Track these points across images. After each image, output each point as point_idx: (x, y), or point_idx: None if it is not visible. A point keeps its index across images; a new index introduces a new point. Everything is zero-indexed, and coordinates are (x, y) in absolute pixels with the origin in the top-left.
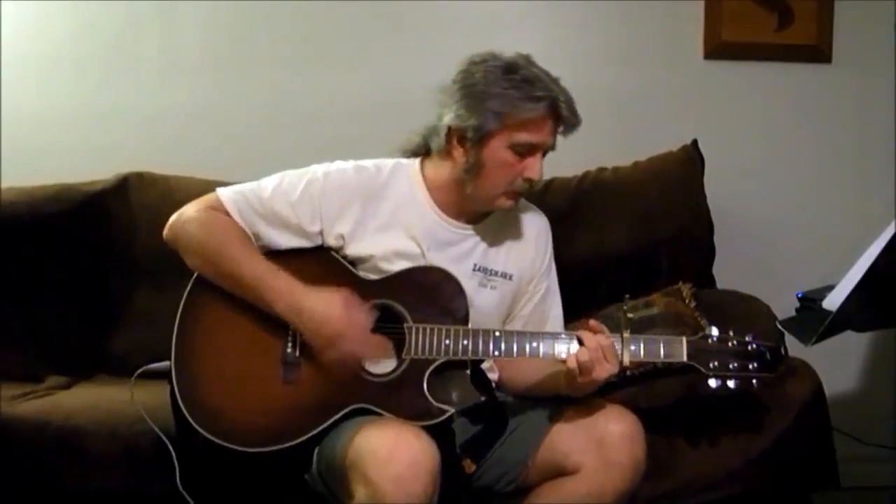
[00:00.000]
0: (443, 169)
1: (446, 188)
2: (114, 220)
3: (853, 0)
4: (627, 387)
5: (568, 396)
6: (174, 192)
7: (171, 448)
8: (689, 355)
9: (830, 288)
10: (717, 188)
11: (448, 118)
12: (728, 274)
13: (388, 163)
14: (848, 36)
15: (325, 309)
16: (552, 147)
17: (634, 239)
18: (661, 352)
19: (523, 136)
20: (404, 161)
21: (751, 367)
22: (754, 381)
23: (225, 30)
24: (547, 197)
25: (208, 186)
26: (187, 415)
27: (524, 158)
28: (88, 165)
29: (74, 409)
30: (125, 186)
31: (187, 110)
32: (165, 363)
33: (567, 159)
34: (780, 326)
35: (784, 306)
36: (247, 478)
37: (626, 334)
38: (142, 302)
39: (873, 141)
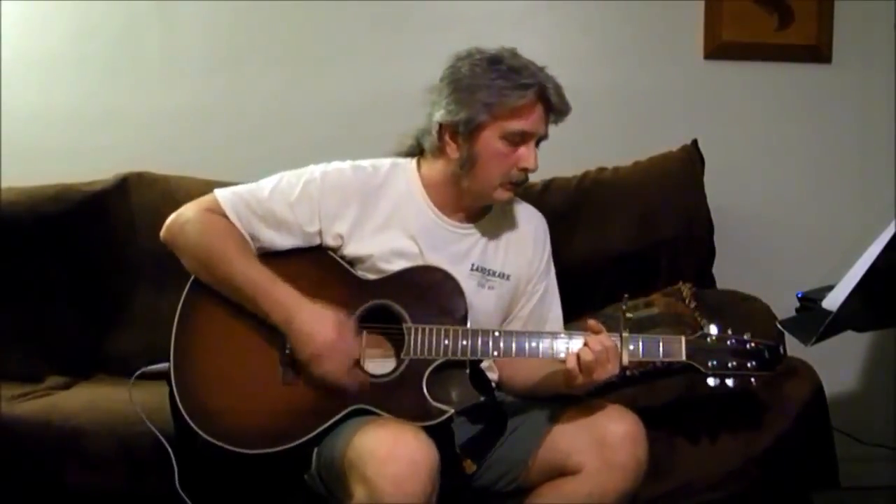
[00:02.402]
0: (437, 167)
1: (443, 186)
2: (113, 221)
3: (853, 0)
4: (627, 387)
5: (567, 395)
6: (174, 193)
7: (169, 450)
8: (688, 355)
9: (830, 288)
10: (717, 188)
11: (439, 115)
12: (728, 274)
13: (386, 162)
14: (848, 36)
15: (313, 328)
16: (545, 136)
17: (634, 239)
18: (661, 351)
19: (514, 125)
20: (401, 161)
21: (749, 365)
22: (753, 379)
23: (225, 30)
24: (547, 197)
25: (208, 187)
26: (186, 417)
27: (517, 148)
28: (88, 166)
29: (74, 410)
30: (125, 187)
31: (187, 110)
32: (164, 364)
33: (567, 159)
34: (780, 326)
35: (784, 306)
36: (246, 478)
37: (626, 334)
38: (141, 302)
39: (873, 141)
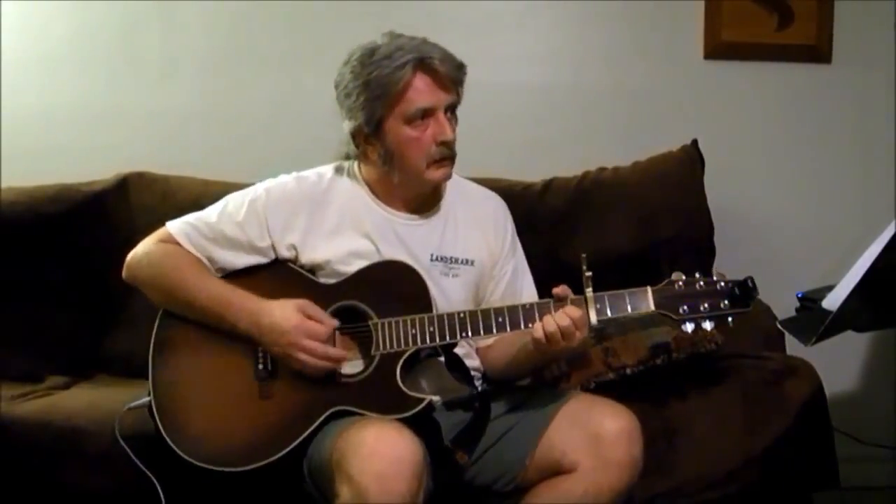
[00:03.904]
0: (369, 169)
1: (381, 184)
2: (114, 221)
3: (853, 0)
4: (626, 385)
5: (562, 393)
6: (174, 192)
7: (157, 483)
8: (657, 304)
9: (830, 288)
10: (717, 188)
11: (346, 125)
12: (728, 274)
13: (329, 168)
14: (848, 36)
15: (280, 318)
16: (453, 102)
17: (634, 239)
18: (628, 305)
19: (410, 106)
20: (345, 164)
21: (722, 305)
22: (730, 318)
23: (225, 30)
24: (547, 197)
25: (208, 186)
26: (173, 445)
27: (427, 126)
28: (88, 165)
29: (74, 410)
30: (125, 186)
31: (188, 110)
32: (146, 399)
33: (567, 159)
34: (780, 326)
35: (784, 306)
36: (242, 497)
37: (590, 293)
38: (142, 302)
39: (873, 141)
